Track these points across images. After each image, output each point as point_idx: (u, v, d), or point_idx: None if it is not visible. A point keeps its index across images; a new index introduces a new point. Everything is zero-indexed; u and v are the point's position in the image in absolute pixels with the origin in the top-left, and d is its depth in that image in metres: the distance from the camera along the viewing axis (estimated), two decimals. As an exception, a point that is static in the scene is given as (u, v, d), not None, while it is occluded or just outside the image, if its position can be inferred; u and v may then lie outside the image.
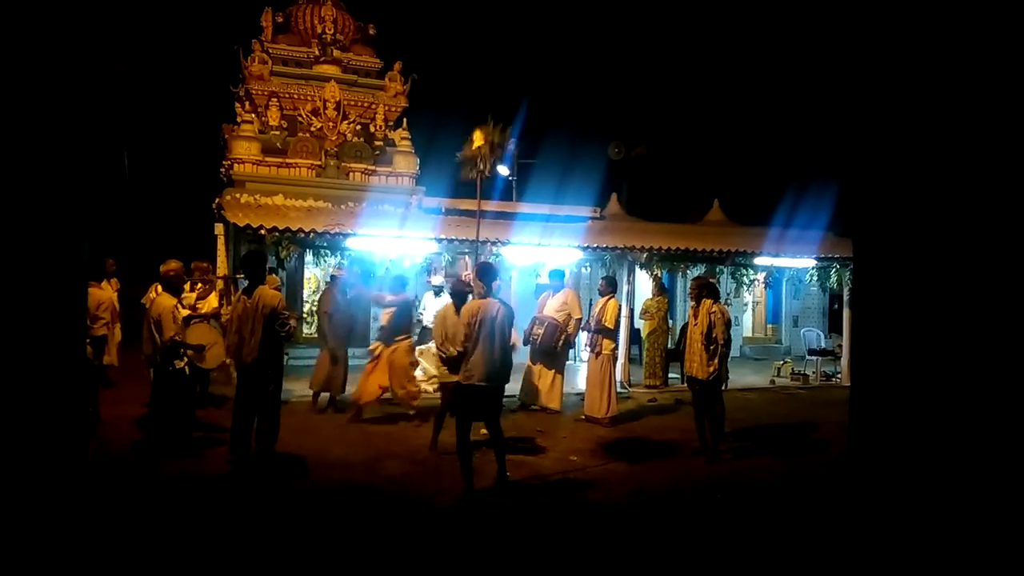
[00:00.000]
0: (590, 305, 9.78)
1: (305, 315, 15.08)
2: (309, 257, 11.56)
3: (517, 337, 7.56)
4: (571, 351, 10.98)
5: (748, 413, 9.91)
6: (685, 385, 8.57)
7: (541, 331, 9.18)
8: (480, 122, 9.65)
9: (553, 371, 9.59)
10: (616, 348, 9.45)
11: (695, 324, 7.58)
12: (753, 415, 9.83)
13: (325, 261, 11.20)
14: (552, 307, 9.50)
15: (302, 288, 14.64)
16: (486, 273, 6.37)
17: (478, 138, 9.55)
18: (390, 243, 10.54)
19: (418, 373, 10.71)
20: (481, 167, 9.76)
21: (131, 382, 9.30)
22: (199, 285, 8.37)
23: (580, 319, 9.35)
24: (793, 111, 21.44)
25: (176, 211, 21.39)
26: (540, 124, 21.38)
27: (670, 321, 12.76)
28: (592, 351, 9.31)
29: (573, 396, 10.31)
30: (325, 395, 9.35)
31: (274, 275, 10.15)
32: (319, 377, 9.30)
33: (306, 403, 9.56)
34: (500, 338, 6.08)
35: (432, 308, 11.08)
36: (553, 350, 9.34)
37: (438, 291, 10.86)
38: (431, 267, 11.51)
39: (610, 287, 9.49)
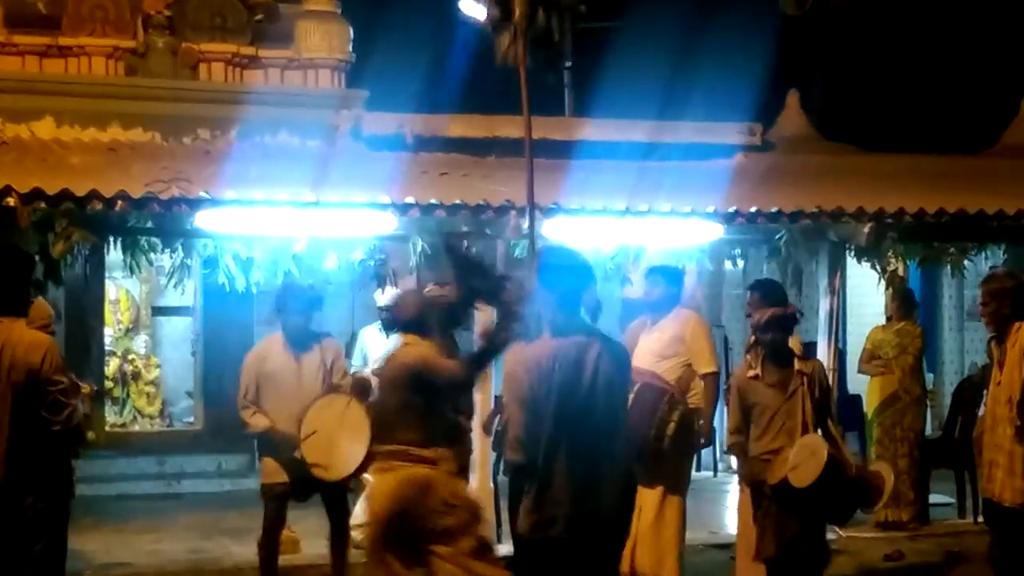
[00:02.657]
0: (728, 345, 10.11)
1: (110, 383, 15.24)
2: (113, 254, 11.68)
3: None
4: (699, 450, 10.84)
5: None
6: (976, 520, 8.76)
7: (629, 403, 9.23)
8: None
9: (658, 489, 9.58)
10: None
11: (998, 382, 7.65)
12: None
13: (152, 259, 11.35)
14: (651, 349, 9.58)
15: (100, 324, 14.75)
16: (563, 277, 6.36)
17: None
18: (293, 220, 10.74)
19: (362, 507, 10.85)
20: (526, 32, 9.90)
21: None
22: None
23: (715, 374, 9.63)
24: None
25: None
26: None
27: (927, 376, 12.67)
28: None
29: (713, 549, 10.27)
30: None
31: (40, 299, 10.27)
32: None
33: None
34: (607, 428, 6.17)
35: (378, 353, 11.38)
36: (656, 445, 9.35)
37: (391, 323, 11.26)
38: (383, 270, 11.65)
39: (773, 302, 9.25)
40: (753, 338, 8.53)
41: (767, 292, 9.20)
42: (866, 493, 8.33)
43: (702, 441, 10.00)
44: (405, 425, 6.72)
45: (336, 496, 9.47)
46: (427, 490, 6.64)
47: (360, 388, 9.38)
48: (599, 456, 6.07)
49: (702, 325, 9.79)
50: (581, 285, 6.34)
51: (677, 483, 9.65)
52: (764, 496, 8.22)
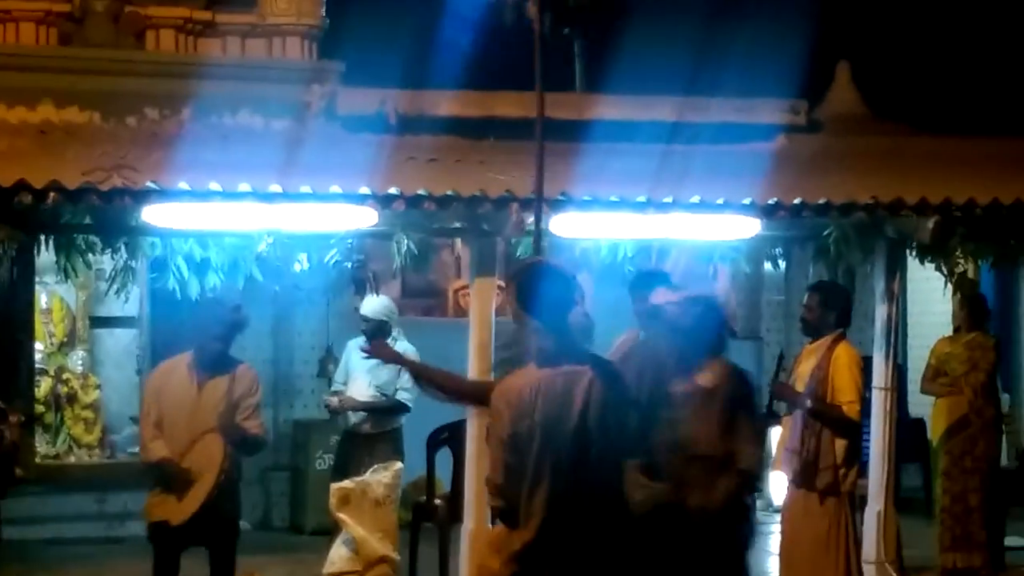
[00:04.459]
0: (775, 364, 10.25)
1: (41, 407, 15.53)
2: (45, 256, 12.03)
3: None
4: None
5: None
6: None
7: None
8: None
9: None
10: (860, 475, 9.88)
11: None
12: None
13: (91, 261, 11.79)
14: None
15: (29, 338, 15.08)
16: (546, 298, 6.53)
17: None
18: (256, 215, 11.06)
19: (338, 551, 12.16)
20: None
21: None
22: None
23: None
24: None
25: None
26: None
27: (1003, 397, 12.75)
28: (801, 483, 9.84)
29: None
30: None
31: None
32: None
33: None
34: (598, 470, 6.42)
35: (362, 376, 12.61)
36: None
37: (376, 334, 12.10)
38: (361, 273, 12.14)
39: (834, 312, 10.07)
40: None
41: (830, 294, 10.22)
42: None
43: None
44: None
45: (225, 545, 10.07)
46: None
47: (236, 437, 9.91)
48: (588, 504, 6.35)
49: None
50: (568, 305, 6.58)
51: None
52: None
